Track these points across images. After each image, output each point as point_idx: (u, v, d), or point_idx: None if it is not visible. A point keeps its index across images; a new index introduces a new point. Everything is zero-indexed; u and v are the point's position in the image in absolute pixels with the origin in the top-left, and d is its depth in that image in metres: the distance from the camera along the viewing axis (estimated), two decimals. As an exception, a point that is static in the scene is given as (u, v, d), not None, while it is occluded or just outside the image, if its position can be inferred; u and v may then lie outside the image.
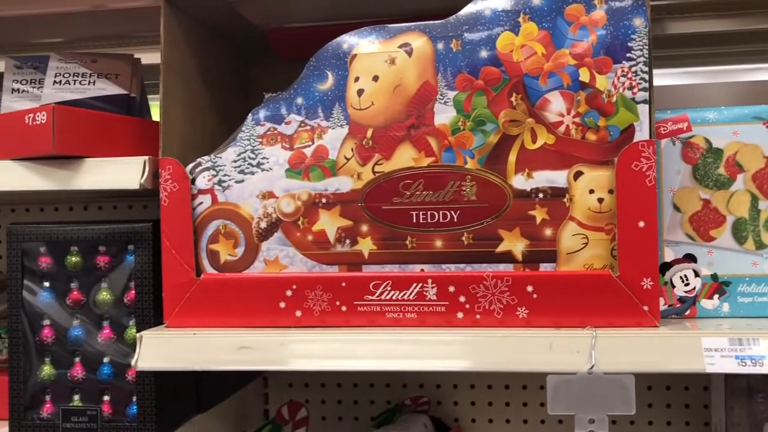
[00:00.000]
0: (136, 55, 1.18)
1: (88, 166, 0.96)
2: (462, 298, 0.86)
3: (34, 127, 0.94)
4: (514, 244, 0.86)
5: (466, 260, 0.87)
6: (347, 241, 0.90)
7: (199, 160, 0.93)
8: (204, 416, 1.11)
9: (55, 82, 1.12)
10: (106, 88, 1.12)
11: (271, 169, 0.91)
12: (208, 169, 0.93)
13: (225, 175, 0.92)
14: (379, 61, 0.89)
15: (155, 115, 1.23)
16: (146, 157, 0.94)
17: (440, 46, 0.87)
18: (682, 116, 0.92)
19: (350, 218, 0.90)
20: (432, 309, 0.87)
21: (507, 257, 0.86)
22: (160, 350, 0.89)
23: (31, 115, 0.94)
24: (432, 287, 0.87)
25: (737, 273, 0.92)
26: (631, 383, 0.79)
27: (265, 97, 0.93)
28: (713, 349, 0.79)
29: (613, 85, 0.84)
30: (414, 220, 0.88)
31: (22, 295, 1.02)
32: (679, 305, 0.92)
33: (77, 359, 1.02)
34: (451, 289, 0.86)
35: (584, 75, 0.84)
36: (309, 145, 0.91)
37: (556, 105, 0.85)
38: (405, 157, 0.88)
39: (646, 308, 0.82)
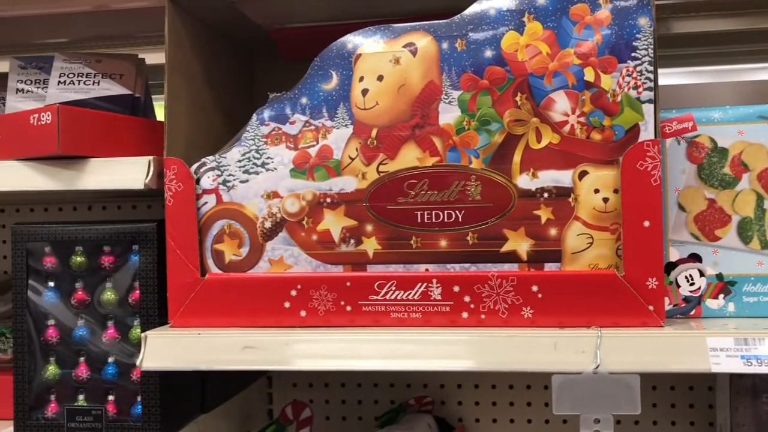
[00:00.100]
0: (140, 56, 1.18)
1: (93, 166, 0.96)
2: (467, 298, 0.86)
3: (38, 127, 0.94)
4: (519, 243, 0.86)
5: (471, 260, 0.87)
6: (352, 241, 0.90)
7: (203, 160, 0.93)
8: (208, 416, 1.11)
9: (59, 82, 1.12)
10: (111, 89, 1.12)
11: (275, 168, 0.92)
12: (212, 169, 0.93)
13: (230, 175, 0.93)
14: (383, 60, 0.89)
15: (159, 115, 1.23)
16: (151, 157, 0.94)
17: (445, 45, 0.87)
18: (687, 116, 0.92)
19: (355, 218, 0.90)
20: (437, 309, 0.87)
21: (512, 257, 0.86)
22: (165, 350, 0.89)
23: (36, 115, 0.94)
24: (437, 287, 0.87)
25: (742, 273, 0.92)
26: (636, 383, 0.79)
27: (269, 97, 0.93)
28: (719, 348, 0.79)
29: (618, 85, 0.83)
30: (419, 220, 0.88)
31: (26, 295, 1.03)
32: (684, 305, 0.92)
33: (82, 359, 1.02)
34: (456, 288, 0.86)
35: (589, 74, 0.84)
36: (313, 145, 0.91)
37: (560, 104, 0.85)
38: (410, 156, 0.88)
39: (651, 308, 0.82)
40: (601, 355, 0.80)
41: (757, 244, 0.91)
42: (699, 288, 0.92)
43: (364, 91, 0.89)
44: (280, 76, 1.13)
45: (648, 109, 0.83)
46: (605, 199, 0.84)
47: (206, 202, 0.93)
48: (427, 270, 0.88)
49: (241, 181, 0.92)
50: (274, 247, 0.92)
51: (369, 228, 0.89)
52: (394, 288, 0.87)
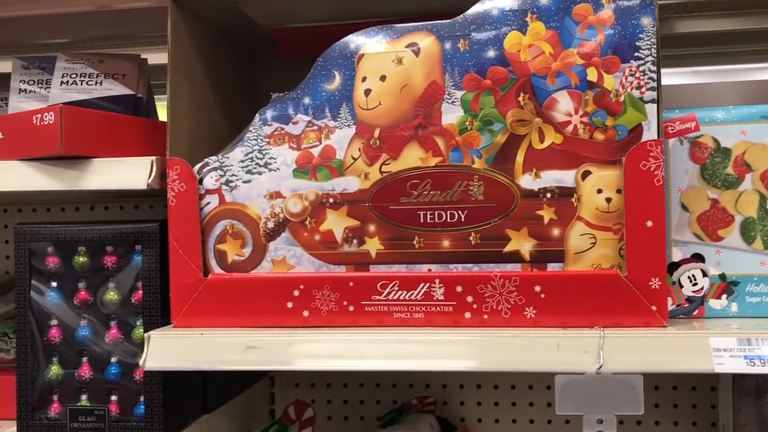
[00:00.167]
0: (143, 56, 1.18)
1: (96, 166, 0.96)
2: (469, 298, 0.86)
3: (41, 127, 0.94)
4: (522, 243, 0.86)
5: (474, 260, 0.87)
6: (354, 241, 0.90)
7: (206, 160, 0.93)
8: (211, 416, 1.11)
9: (62, 82, 1.12)
10: (113, 89, 1.12)
11: (278, 169, 0.92)
12: (215, 169, 0.93)
13: (232, 175, 0.93)
14: (386, 60, 0.89)
15: (162, 115, 1.23)
16: (153, 158, 0.94)
17: (448, 45, 0.87)
18: (690, 116, 0.92)
19: (357, 218, 0.90)
20: (439, 309, 0.87)
21: (514, 257, 0.86)
22: (168, 350, 0.89)
23: (39, 115, 0.94)
24: (439, 287, 0.87)
25: (745, 273, 0.91)
26: (639, 383, 0.79)
27: (272, 97, 0.93)
28: (722, 349, 0.79)
29: (621, 85, 0.83)
30: (421, 220, 0.88)
31: (29, 295, 1.03)
32: (687, 305, 0.92)
33: (85, 359, 1.02)
34: (459, 289, 0.86)
35: (592, 74, 0.84)
36: (316, 145, 0.91)
37: (563, 104, 0.85)
38: (412, 156, 0.88)
39: (654, 308, 0.82)
40: (604, 355, 0.80)
41: (760, 245, 0.91)
42: (702, 288, 0.91)
43: (367, 91, 0.89)
44: (281, 76, 1.13)
45: (651, 109, 0.83)
46: (608, 199, 0.84)
47: (209, 203, 0.93)
48: (429, 270, 0.88)
49: (244, 182, 0.92)
50: (277, 247, 0.92)
51: (372, 228, 0.89)
52: (396, 288, 0.87)
